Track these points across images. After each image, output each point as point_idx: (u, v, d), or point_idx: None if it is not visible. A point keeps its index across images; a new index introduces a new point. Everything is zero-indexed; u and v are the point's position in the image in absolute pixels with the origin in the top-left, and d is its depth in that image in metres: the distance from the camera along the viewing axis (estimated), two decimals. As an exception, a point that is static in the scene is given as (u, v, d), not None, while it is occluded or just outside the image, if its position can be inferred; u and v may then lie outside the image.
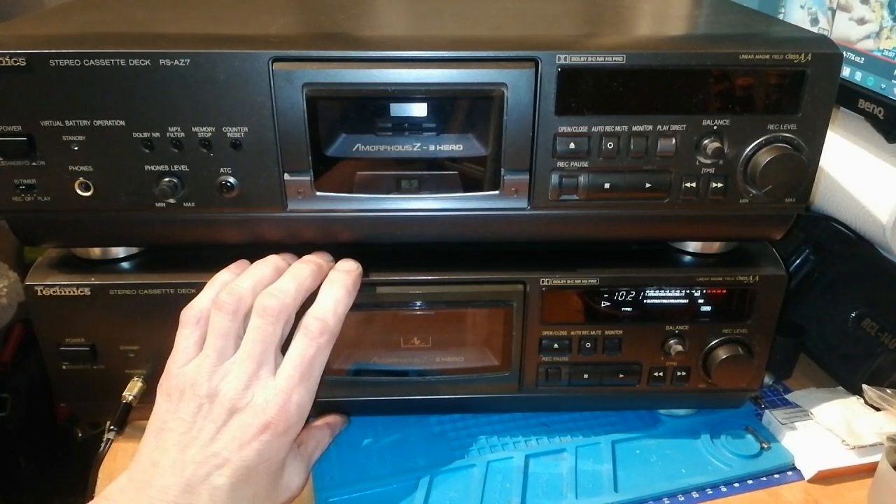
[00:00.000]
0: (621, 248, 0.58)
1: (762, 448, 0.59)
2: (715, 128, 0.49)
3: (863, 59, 0.63)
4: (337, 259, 0.53)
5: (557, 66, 0.46)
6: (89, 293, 0.52)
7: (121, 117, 0.47)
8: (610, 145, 0.49)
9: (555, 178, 0.50)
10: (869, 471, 0.56)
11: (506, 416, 0.63)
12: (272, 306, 0.47)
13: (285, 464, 0.48)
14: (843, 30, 0.65)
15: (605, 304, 0.55)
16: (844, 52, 0.55)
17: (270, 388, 0.46)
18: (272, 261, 0.51)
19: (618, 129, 0.48)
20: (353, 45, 0.48)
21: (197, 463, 0.44)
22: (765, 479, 0.58)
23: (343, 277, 0.50)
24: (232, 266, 0.51)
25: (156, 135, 0.47)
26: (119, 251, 0.55)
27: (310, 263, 0.51)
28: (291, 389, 0.46)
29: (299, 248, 0.53)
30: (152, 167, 0.48)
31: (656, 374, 0.57)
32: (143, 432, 0.46)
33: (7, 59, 0.44)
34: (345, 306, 0.49)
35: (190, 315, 0.48)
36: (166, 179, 0.48)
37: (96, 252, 0.54)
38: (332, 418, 0.58)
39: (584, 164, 0.49)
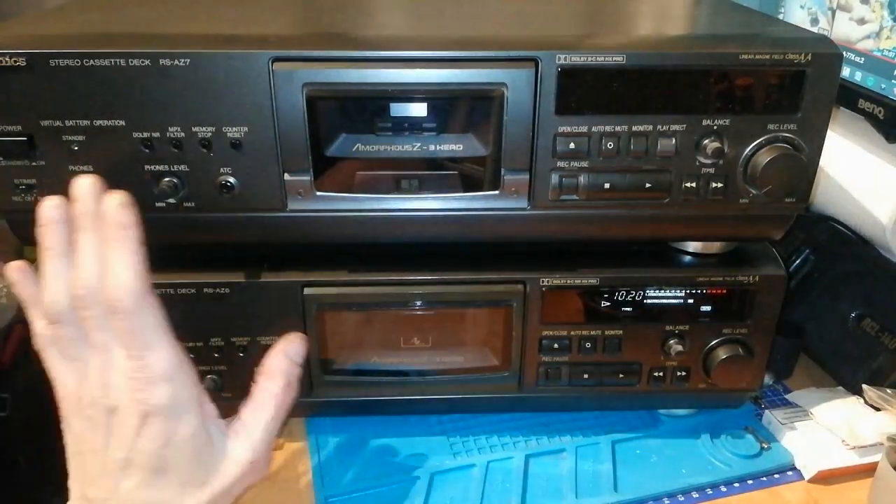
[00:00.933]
0: (621, 248, 0.57)
1: (762, 448, 0.59)
2: (715, 128, 0.49)
3: (863, 59, 0.63)
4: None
5: (557, 66, 0.46)
6: (89, 293, 0.52)
7: (121, 117, 0.46)
8: (610, 145, 0.49)
9: (555, 178, 0.50)
10: (869, 471, 0.56)
11: (506, 416, 0.63)
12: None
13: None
14: (843, 30, 0.65)
15: (605, 304, 0.55)
16: (844, 52, 0.55)
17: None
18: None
19: (618, 128, 0.48)
20: (353, 45, 0.48)
21: None
22: (765, 479, 0.58)
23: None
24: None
25: (156, 135, 0.47)
26: (119, 251, 0.55)
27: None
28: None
29: (299, 248, 0.53)
30: (152, 167, 0.48)
31: (656, 374, 0.57)
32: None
33: (7, 59, 0.44)
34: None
35: None
36: (166, 179, 0.48)
37: (96, 252, 0.54)
38: (272, 385, 0.45)
39: (584, 164, 0.49)
